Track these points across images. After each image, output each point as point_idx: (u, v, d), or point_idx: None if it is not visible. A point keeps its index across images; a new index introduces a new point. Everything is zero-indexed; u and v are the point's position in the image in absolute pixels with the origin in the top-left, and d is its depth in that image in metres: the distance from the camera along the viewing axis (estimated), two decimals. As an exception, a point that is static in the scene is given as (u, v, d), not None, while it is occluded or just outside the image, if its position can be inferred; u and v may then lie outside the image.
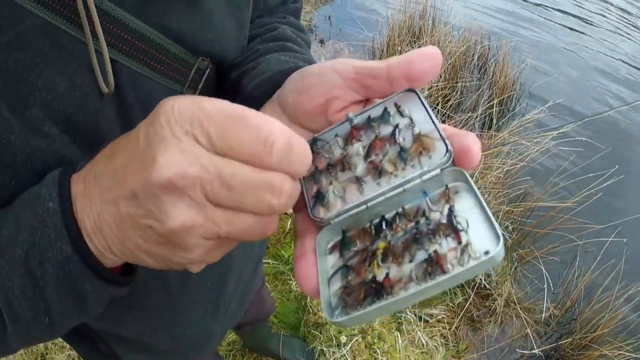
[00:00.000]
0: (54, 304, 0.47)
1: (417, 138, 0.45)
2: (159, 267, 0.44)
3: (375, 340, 2.46)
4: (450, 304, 2.76)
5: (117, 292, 0.51)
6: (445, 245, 0.41)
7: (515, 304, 2.80)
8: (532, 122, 3.62)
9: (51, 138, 0.51)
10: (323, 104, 0.50)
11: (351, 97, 0.49)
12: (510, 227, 3.09)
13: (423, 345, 2.52)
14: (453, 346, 2.62)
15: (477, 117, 3.80)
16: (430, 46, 0.45)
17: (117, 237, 0.42)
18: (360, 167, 0.47)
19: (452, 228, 0.41)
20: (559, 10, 6.16)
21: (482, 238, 0.40)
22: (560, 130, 3.45)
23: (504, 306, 2.77)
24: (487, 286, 2.80)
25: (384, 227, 0.45)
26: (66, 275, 0.45)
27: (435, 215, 0.43)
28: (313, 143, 0.50)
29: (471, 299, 2.77)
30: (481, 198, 0.41)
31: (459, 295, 2.80)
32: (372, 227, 0.46)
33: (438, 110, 3.62)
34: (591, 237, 3.05)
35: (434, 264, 0.40)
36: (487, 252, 0.38)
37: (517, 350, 2.68)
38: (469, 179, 0.43)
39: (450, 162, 0.43)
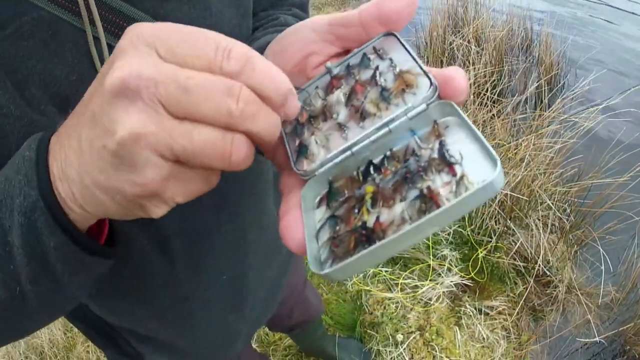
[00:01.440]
0: (22, 266, 0.45)
1: (399, 76, 0.43)
2: (120, 213, 0.41)
3: (434, 337, 2.37)
4: (511, 294, 2.65)
5: (90, 262, 0.47)
6: (439, 181, 0.38)
7: (576, 289, 2.68)
8: (579, 98, 3.49)
9: (47, 116, 0.54)
10: (301, 60, 0.49)
11: (328, 51, 0.48)
12: (568, 210, 2.95)
13: (484, 339, 2.42)
14: (515, 338, 2.51)
15: (525, 99, 3.69)
16: None
17: (78, 176, 0.39)
18: (343, 113, 0.45)
19: (445, 162, 0.39)
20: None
21: (478, 168, 0.37)
22: (608, 103, 3.31)
23: (565, 292, 2.66)
24: (548, 272, 2.68)
25: (371, 171, 0.43)
26: (31, 225, 0.42)
27: (426, 152, 0.41)
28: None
29: (532, 287, 2.65)
30: (474, 127, 0.39)
31: (519, 284, 2.68)
32: (360, 173, 0.43)
33: (487, 96, 3.50)
34: (649, 212, 2.92)
35: (427, 200, 0.37)
36: (484, 180, 0.35)
37: (579, 339, 2.57)
38: (459, 110, 0.40)
39: (435, 96, 0.41)
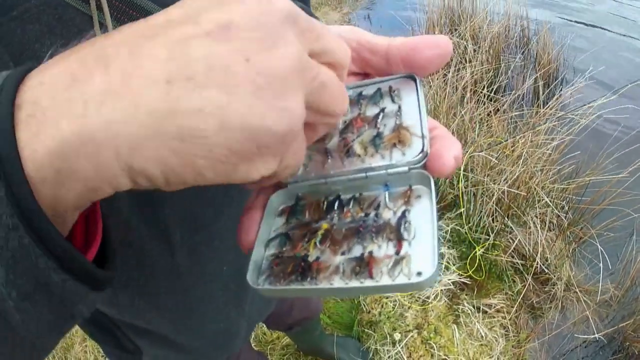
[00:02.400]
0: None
1: (397, 128, 0.44)
2: (216, 175, 0.31)
3: (432, 335, 2.37)
4: (509, 292, 2.64)
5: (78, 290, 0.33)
6: (383, 249, 0.40)
7: (575, 287, 2.67)
8: (577, 95, 3.49)
9: None
10: None
11: (349, 68, 0.44)
12: (566, 207, 2.94)
13: (482, 337, 2.42)
14: (513, 336, 2.50)
15: (523, 96, 3.69)
16: (441, 35, 0.43)
17: (155, 120, 0.28)
18: (333, 141, 0.46)
19: (397, 234, 0.40)
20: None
21: (421, 256, 0.38)
22: (606, 100, 3.30)
23: (564, 290, 2.65)
24: (546, 270, 2.67)
25: (335, 207, 0.44)
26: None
27: (387, 215, 0.42)
28: None
29: (530, 285, 2.65)
30: (435, 214, 0.40)
31: (517, 282, 2.68)
32: (325, 202, 0.45)
33: (484, 94, 3.49)
34: (648, 208, 2.91)
35: (363, 265, 0.39)
36: (419, 274, 0.37)
37: (578, 335, 2.56)
38: (433, 188, 0.41)
39: (421, 163, 0.42)
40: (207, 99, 0.28)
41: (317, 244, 0.42)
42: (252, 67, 0.29)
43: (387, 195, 0.43)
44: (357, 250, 0.41)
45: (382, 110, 0.46)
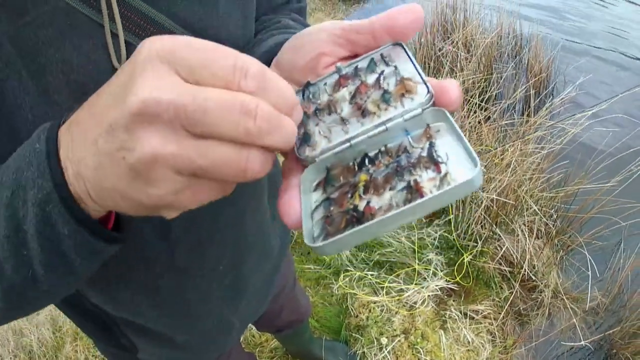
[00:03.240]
0: (36, 252, 0.47)
1: (400, 82, 0.47)
2: (134, 211, 0.43)
3: (419, 340, 2.38)
4: (497, 299, 2.66)
5: (101, 248, 0.50)
6: (425, 176, 0.42)
7: (562, 294, 2.69)
8: (566, 104, 3.53)
9: (60, 106, 0.57)
10: (313, 59, 0.53)
11: (339, 53, 0.52)
12: (555, 215, 2.97)
13: (469, 342, 2.44)
14: (500, 342, 2.52)
15: (513, 105, 3.72)
16: (412, 3, 0.48)
17: (94, 179, 0.41)
18: (346, 109, 0.49)
19: (432, 160, 0.43)
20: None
21: (461, 168, 0.41)
22: (595, 109, 3.33)
23: (551, 297, 2.67)
24: (533, 277, 2.69)
25: (366, 163, 0.47)
26: (46, 216, 0.45)
27: (416, 151, 0.45)
28: (305, 88, 0.52)
29: (517, 292, 2.67)
30: (461, 133, 0.43)
31: (505, 289, 2.70)
32: (355, 164, 0.47)
33: (475, 102, 3.53)
34: (636, 217, 2.92)
35: (413, 192, 0.41)
36: (465, 177, 0.39)
37: (565, 342, 2.58)
38: (450, 117, 0.44)
39: (431, 103, 0.45)
40: (110, 182, 0.40)
41: (361, 195, 0.44)
42: (126, 164, 0.38)
43: (410, 139, 0.46)
44: (401, 185, 0.43)
45: (381, 73, 0.49)
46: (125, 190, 0.40)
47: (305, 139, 0.49)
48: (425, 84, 0.46)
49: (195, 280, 0.89)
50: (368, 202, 0.43)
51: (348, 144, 0.47)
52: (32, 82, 0.55)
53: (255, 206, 0.96)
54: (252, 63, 0.38)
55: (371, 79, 0.49)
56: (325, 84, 0.52)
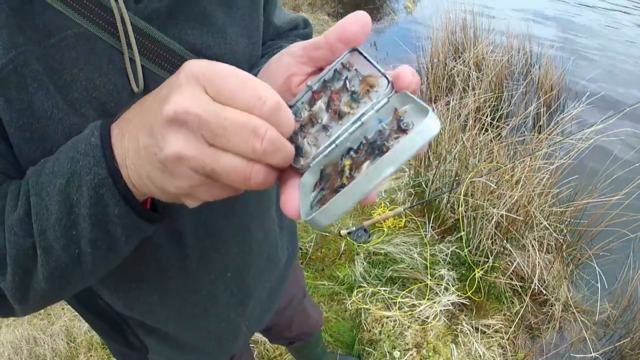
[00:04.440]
0: (85, 231, 0.57)
1: (363, 80, 0.53)
2: (164, 197, 0.53)
3: (430, 354, 2.44)
4: (508, 313, 2.71)
5: (143, 226, 0.60)
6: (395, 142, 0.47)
7: (572, 307, 2.74)
8: (574, 120, 3.56)
9: (87, 118, 0.64)
10: (285, 81, 0.58)
11: (305, 70, 0.58)
12: (565, 230, 3.02)
13: (480, 356, 2.48)
14: (511, 356, 2.56)
15: (525, 122, 3.76)
16: (359, 11, 0.52)
17: (134, 166, 0.51)
18: (325, 117, 0.54)
19: (400, 130, 0.48)
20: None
21: (423, 123, 0.44)
22: (603, 125, 3.37)
23: (561, 311, 2.72)
24: (544, 291, 2.75)
25: (351, 154, 0.52)
26: (99, 198, 0.54)
27: (388, 130, 0.50)
28: None
29: (528, 306, 2.72)
30: (425, 105, 0.46)
31: (516, 303, 2.75)
32: (342, 158, 0.52)
33: (487, 121, 3.60)
34: (644, 228, 2.96)
35: (384, 153, 0.46)
36: (421, 125, 0.43)
37: (576, 355, 2.62)
38: (412, 96, 0.49)
39: (393, 90, 0.51)
40: (145, 170, 0.50)
41: (347, 175, 0.49)
42: (157, 158, 0.47)
43: (384, 125, 0.51)
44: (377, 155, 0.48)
45: (346, 78, 0.54)
46: (156, 179, 0.49)
47: (298, 152, 0.54)
48: (384, 75, 0.51)
49: (203, 285, 0.95)
50: (352, 175, 0.48)
51: (334, 145, 0.53)
52: (60, 97, 0.61)
53: (262, 217, 1.04)
54: (271, 96, 0.45)
55: (338, 85, 0.54)
56: (302, 102, 0.57)
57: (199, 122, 0.43)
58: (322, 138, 0.54)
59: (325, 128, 0.54)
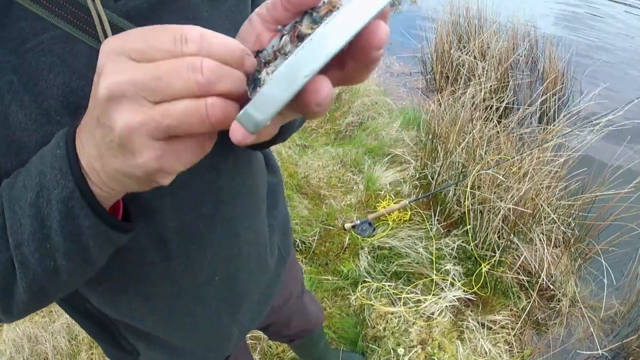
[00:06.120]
0: (59, 245, 0.56)
1: (328, 3, 0.49)
2: (138, 186, 0.52)
3: (436, 351, 2.40)
4: (514, 309, 2.68)
5: (115, 237, 0.60)
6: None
7: (580, 303, 2.70)
8: (584, 111, 3.50)
9: (62, 125, 0.61)
10: (255, 40, 0.55)
11: (271, 28, 0.55)
12: (572, 223, 2.97)
13: (486, 353, 2.45)
14: (518, 352, 2.53)
15: (531, 113, 3.71)
16: None
17: (101, 166, 0.50)
18: (289, 47, 0.51)
19: (334, 7, 0.46)
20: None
21: None
22: (612, 116, 3.32)
23: (569, 306, 2.68)
24: (551, 286, 2.70)
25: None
26: (69, 211, 0.53)
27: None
28: (257, 55, 0.54)
29: (535, 301, 2.68)
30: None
31: (522, 298, 2.71)
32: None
33: (493, 112, 3.54)
34: (653, 222, 2.92)
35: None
36: None
37: (583, 351, 2.58)
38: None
39: None
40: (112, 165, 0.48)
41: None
42: (115, 144, 0.45)
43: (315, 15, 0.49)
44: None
45: (312, 9, 0.51)
46: (122, 168, 0.47)
47: (255, 82, 0.51)
48: None
49: (190, 289, 0.93)
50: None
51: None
52: (35, 106, 0.60)
53: (251, 219, 1.00)
54: (190, 29, 0.44)
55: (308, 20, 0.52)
56: (272, 46, 0.55)
57: (134, 86, 0.42)
58: (280, 63, 0.50)
59: (285, 55, 0.50)
